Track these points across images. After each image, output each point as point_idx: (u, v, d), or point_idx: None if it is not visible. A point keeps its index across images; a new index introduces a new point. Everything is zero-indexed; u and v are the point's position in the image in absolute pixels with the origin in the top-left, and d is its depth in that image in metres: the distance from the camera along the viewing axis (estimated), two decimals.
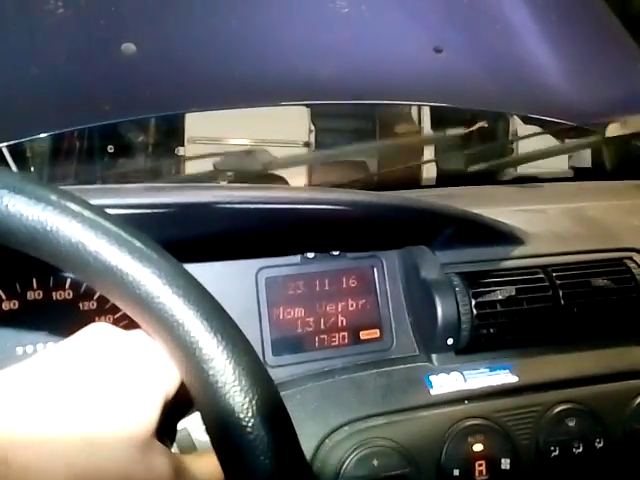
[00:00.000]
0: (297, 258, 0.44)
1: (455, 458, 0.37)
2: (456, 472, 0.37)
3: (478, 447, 0.38)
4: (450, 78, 0.66)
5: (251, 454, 0.20)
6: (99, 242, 0.20)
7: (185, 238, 0.36)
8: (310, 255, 0.44)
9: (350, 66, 0.64)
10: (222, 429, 0.21)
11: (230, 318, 0.22)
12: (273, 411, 0.21)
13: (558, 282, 0.44)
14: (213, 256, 0.41)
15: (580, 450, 0.40)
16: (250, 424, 0.20)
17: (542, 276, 0.45)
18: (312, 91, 0.65)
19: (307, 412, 0.38)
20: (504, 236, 0.46)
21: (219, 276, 0.41)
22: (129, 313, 0.22)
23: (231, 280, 0.42)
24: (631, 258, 0.49)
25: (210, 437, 0.22)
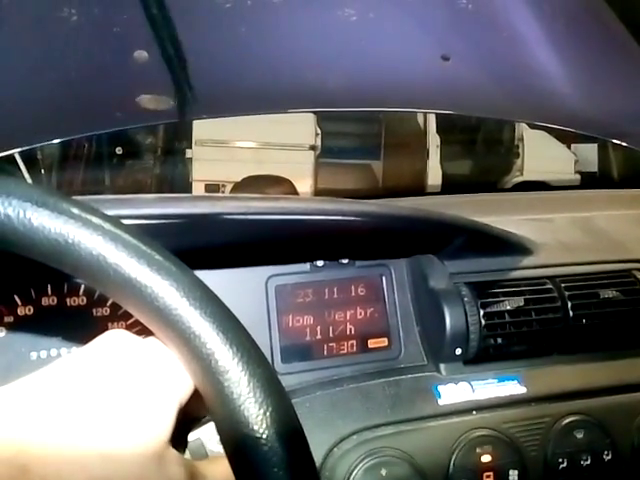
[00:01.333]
0: (306, 266, 0.44)
1: (463, 469, 0.38)
2: None
3: (486, 458, 0.38)
4: (457, 86, 0.66)
5: (265, 466, 0.21)
6: (119, 255, 0.20)
7: (197, 246, 0.36)
8: (319, 263, 0.45)
9: (358, 73, 0.64)
10: (236, 440, 0.21)
11: (245, 330, 0.22)
12: (287, 423, 0.21)
13: (567, 293, 0.44)
14: (224, 264, 0.42)
15: (588, 462, 0.40)
16: (264, 436, 0.20)
17: (550, 287, 0.45)
18: (320, 99, 0.66)
19: (316, 420, 0.38)
20: (513, 246, 0.46)
21: (229, 283, 0.42)
22: (146, 323, 0.22)
23: (241, 287, 0.42)
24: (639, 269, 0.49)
25: (224, 448, 0.22)
